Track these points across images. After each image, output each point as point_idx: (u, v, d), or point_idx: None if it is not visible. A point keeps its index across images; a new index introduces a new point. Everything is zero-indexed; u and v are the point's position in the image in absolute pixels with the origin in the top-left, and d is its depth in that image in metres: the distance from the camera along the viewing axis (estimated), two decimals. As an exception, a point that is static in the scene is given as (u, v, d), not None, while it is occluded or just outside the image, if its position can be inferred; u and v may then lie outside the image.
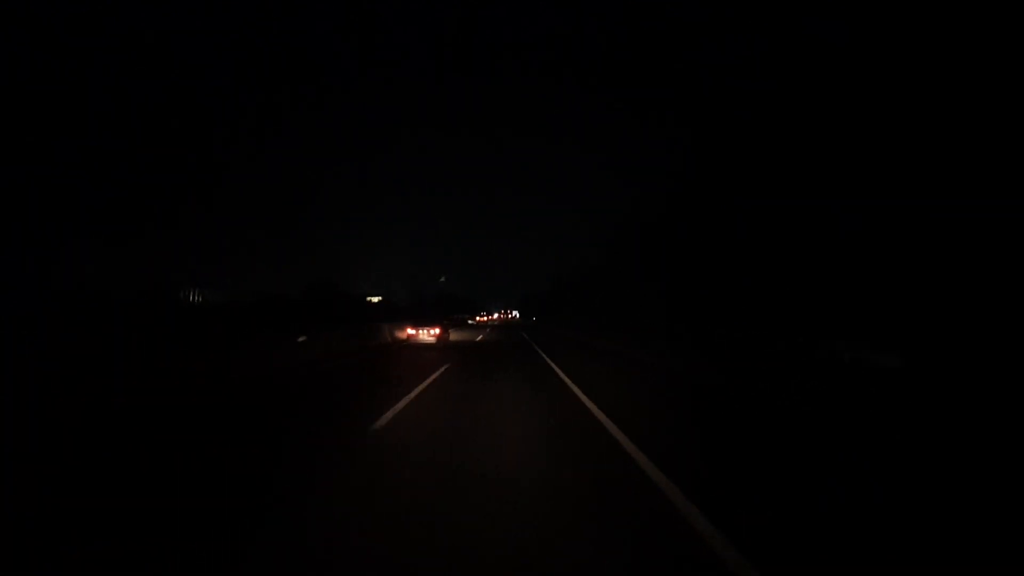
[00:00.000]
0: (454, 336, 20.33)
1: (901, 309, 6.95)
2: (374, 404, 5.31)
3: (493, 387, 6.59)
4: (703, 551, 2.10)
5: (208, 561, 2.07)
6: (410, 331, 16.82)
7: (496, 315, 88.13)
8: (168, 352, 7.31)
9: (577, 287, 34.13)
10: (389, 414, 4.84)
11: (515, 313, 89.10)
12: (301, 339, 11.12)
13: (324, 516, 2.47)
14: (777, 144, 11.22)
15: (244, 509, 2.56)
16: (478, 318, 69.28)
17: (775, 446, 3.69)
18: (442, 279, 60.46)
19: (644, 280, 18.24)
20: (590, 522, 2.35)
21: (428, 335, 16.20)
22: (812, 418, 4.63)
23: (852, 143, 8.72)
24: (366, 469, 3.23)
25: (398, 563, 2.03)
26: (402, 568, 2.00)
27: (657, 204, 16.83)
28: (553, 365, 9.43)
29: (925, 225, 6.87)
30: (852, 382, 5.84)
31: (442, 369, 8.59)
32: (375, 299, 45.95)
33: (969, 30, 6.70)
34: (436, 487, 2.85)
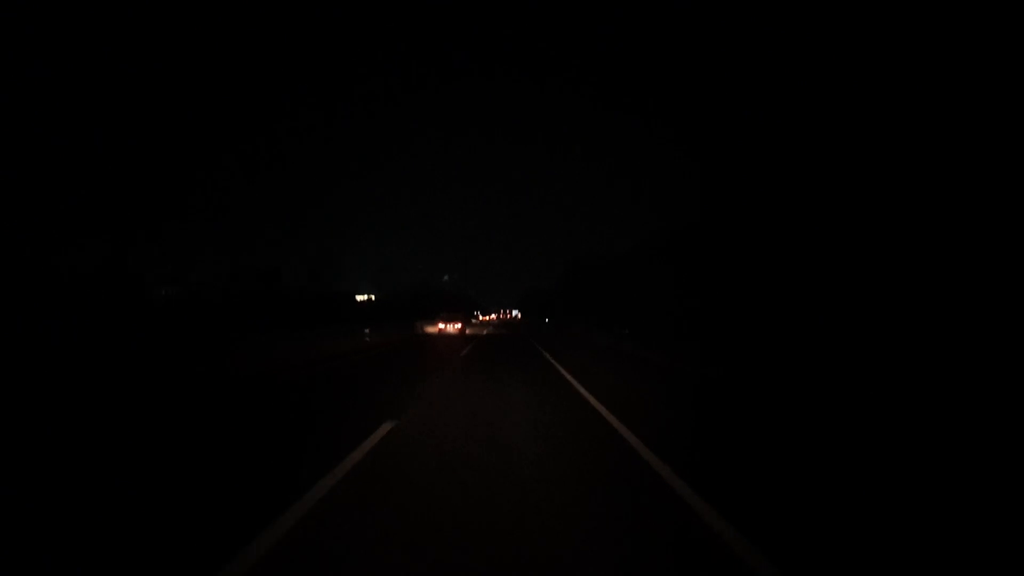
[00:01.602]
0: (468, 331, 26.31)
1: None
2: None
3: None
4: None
5: None
6: (440, 325, 24.07)
7: (494, 315, 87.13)
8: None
9: (592, 285, 29.58)
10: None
11: (516, 312, 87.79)
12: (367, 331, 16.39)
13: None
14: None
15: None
16: (480, 317, 68.88)
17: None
18: (445, 278, 60.37)
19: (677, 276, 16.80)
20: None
21: (453, 328, 23.90)
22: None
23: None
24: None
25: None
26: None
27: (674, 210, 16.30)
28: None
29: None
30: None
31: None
32: (362, 297, 45.27)
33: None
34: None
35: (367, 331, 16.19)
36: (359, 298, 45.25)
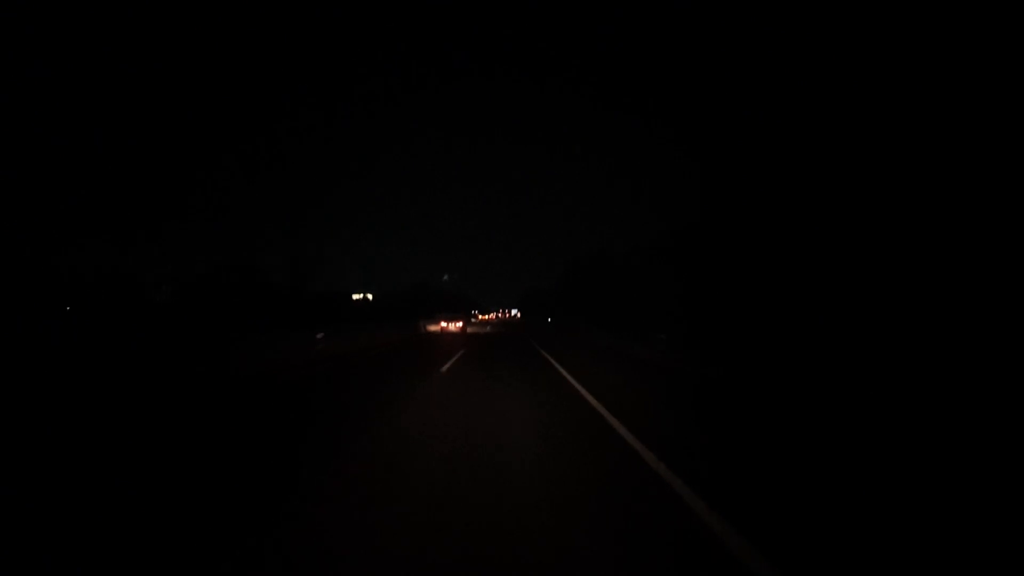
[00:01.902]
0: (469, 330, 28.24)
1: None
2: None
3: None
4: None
5: None
6: (443, 324, 25.95)
7: (492, 315, 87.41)
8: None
9: (593, 284, 29.01)
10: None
11: (515, 312, 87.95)
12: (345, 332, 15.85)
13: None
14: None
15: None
16: (479, 316, 69.08)
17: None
18: (445, 278, 60.48)
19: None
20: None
21: (454, 327, 25.67)
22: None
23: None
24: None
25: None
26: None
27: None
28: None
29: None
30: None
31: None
32: (358, 296, 45.00)
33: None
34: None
35: (320, 336, 13.32)
36: (355, 297, 45.00)
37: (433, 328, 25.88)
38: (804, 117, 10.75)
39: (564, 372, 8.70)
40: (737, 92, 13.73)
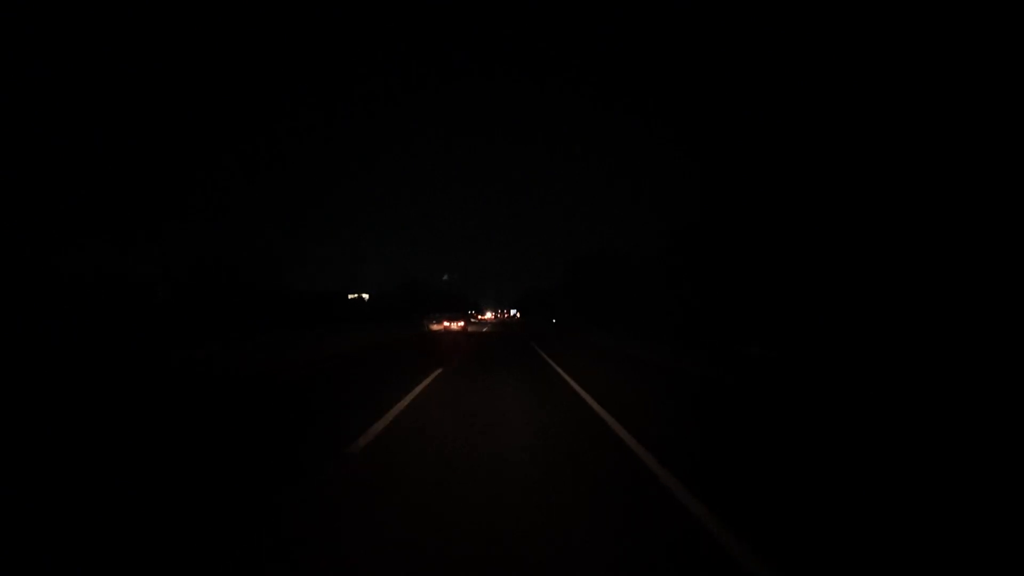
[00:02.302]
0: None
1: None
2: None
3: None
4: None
5: None
6: (445, 323, 27.50)
7: (490, 315, 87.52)
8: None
9: (597, 284, 28.86)
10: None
11: (515, 312, 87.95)
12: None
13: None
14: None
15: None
16: (477, 316, 69.17)
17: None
18: (445, 277, 60.44)
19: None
20: None
21: (456, 326, 27.30)
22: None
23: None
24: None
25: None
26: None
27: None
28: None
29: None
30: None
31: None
32: (352, 296, 44.78)
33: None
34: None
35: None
36: (350, 296, 44.76)
37: (437, 327, 27.37)
38: (804, 117, 10.76)
39: (564, 374, 8.72)
40: (737, 92, 13.76)
